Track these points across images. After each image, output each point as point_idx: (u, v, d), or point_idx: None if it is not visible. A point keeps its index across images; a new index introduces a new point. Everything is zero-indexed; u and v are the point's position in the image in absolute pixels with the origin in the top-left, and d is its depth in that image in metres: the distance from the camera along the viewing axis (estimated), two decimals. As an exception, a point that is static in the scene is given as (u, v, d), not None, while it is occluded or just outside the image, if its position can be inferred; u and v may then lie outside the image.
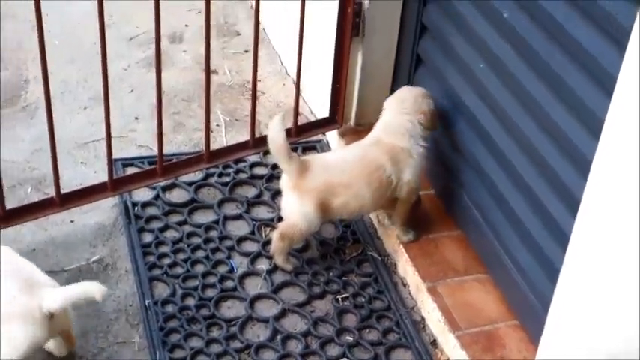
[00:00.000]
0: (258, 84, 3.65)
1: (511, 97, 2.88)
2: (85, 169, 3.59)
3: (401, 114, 3.15)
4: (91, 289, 2.66)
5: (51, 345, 2.87)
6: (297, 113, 3.59)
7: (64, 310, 2.70)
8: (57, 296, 2.64)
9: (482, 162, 3.07)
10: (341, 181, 3.07)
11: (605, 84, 2.33)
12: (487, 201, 3.06)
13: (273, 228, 3.26)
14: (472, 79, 3.09)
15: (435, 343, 2.99)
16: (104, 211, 3.41)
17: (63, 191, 3.20)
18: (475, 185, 3.14)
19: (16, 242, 3.21)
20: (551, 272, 2.60)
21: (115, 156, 3.31)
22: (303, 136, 3.65)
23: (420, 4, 3.38)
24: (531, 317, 2.82)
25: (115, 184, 3.31)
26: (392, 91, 3.59)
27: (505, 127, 2.94)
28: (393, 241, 3.25)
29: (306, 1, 3.34)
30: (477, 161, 3.09)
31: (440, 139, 3.32)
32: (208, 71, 3.24)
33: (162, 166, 3.36)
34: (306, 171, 3.06)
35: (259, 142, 3.52)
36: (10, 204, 3.17)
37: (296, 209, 3.07)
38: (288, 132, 3.54)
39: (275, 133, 3.05)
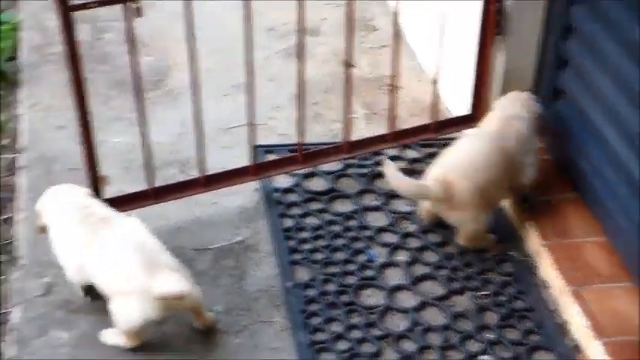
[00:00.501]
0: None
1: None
2: (227, 154, 3.67)
3: (514, 109, 3.30)
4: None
5: (193, 321, 2.96)
6: (436, 109, 3.60)
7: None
8: (167, 285, 2.71)
9: (631, 167, 3.01)
10: (489, 176, 3.15)
11: None
12: (636, 208, 3.01)
13: (412, 222, 3.33)
14: (622, 83, 3.04)
15: (577, 348, 2.95)
16: (246, 195, 3.48)
17: (207, 173, 3.30)
18: (623, 191, 3.08)
19: (162, 219, 3.32)
20: None
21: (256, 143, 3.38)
22: (442, 133, 3.66)
23: (566, 3, 3.34)
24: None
25: (257, 169, 3.39)
26: (535, 90, 3.56)
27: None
28: (535, 242, 3.23)
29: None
30: (626, 166, 3.04)
31: (587, 142, 3.28)
32: (349, 60, 3.30)
33: (303, 154, 3.43)
34: (451, 188, 3.11)
35: (398, 136, 3.57)
36: (157, 183, 3.27)
37: (469, 221, 3.18)
38: (427, 127, 3.60)
39: (396, 180, 3.17)
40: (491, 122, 3.31)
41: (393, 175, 3.17)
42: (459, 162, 3.19)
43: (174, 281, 2.73)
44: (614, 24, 3.05)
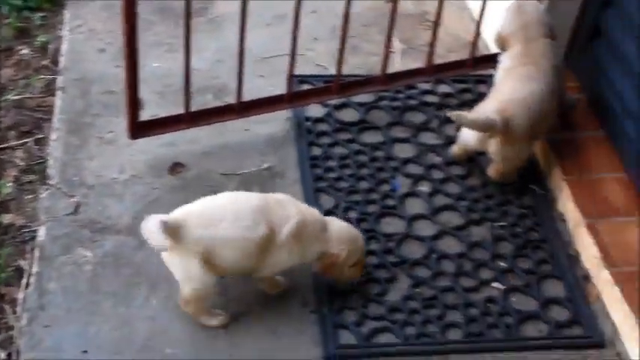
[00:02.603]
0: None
1: None
2: (262, 82, 3.90)
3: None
4: None
5: None
6: (475, 47, 3.78)
7: None
8: None
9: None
10: (541, 108, 3.36)
11: None
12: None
13: (438, 154, 3.54)
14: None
15: (587, 278, 3.17)
16: (277, 123, 3.73)
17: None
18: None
19: (193, 144, 3.59)
20: None
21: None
22: (478, 69, 3.85)
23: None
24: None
25: (292, 97, 3.62)
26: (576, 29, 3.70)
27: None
28: (557, 176, 3.44)
29: None
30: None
31: (620, 80, 3.44)
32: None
33: (339, 84, 3.65)
34: (509, 122, 3.30)
35: (435, 70, 3.78)
36: (192, 109, 3.50)
37: (515, 155, 3.43)
38: (463, 63, 3.79)
39: (462, 114, 3.34)
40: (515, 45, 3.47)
41: (460, 113, 3.33)
42: (517, 96, 3.34)
43: None
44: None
